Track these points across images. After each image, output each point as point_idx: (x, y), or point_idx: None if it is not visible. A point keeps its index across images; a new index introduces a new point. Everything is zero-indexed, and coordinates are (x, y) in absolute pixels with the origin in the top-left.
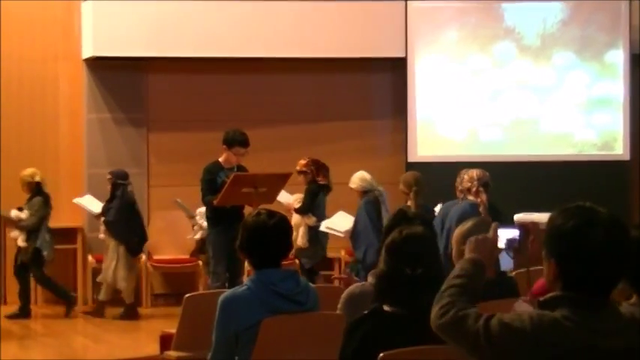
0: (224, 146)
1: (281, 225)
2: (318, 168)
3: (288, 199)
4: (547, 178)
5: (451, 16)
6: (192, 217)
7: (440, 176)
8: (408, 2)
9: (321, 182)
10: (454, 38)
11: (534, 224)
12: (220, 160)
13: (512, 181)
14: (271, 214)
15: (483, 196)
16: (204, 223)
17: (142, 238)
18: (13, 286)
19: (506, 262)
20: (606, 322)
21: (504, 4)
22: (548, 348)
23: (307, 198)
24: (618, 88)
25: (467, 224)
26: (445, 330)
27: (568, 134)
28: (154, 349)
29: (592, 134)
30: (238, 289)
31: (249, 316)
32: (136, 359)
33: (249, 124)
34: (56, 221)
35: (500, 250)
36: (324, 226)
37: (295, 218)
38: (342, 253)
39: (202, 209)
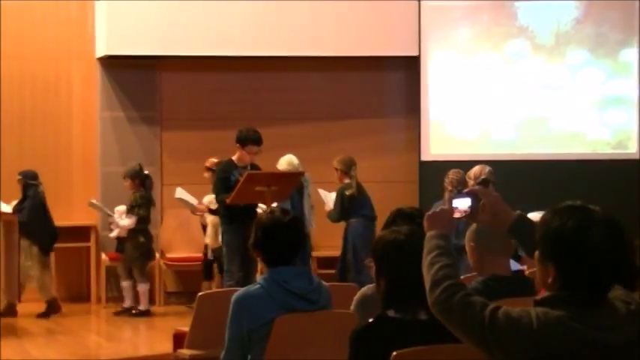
0: (237, 145)
1: (295, 223)
2: None
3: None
4: (560, 177)
5: (464, 14)
6: (109, 215)
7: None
8: (422, 1)
9: None
10: (467, 36)
11: (484, 189)
12: (234, 158)
13: (525, 180)
14: (285, 212)
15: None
16: (122, 222)
17: (54, 236)
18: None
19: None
20: (606, 318)
21: (517, 3)
22: (553, 345)
23: None
24: (632, 87)
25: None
26: (449, 313)
27: (581, 133)
28: (167, 347)
29: (605, 133)
30: (251, 287)
31: (262, 314)
32: (149, 357)
33: (263, 122)
34: (70, 219)
35: (458, 219)
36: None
37: (212, 219)
38: None
39: (121, 207)
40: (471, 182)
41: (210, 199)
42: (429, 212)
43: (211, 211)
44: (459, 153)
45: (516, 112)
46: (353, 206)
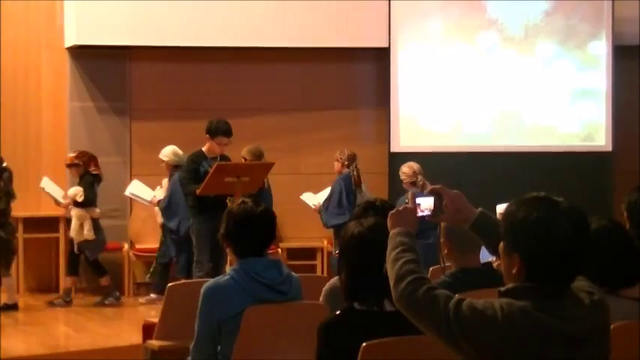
0: (207, 136)
1: (267, 214)
2: (89, 158)
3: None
4: (530, 169)
5: (434, 6)
6: None
7: (423, 166)
8: None
9: (94, 172)
10: (437, 29)
11: (446, 188)
12: (204, 149)
13: (496, 172)
14: (257, 202)
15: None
16: None
17: None
18: None
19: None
20: (571, 308)
21: None
22: (518, 335)
23: (89, 190)
24: (601, 80)
25: None
26: (414, 307)
27: (552, 125)
28: (136, 338)
29: (575, 125)
30: (221, 278)
31: (232, 305)
32: (119, 348)
33: (233, 113)
34: (38, 210)
35: (420, 217)
36: (129, 192)
37: (78, 212)
38: (325, 242)
39: None
40: (411, 178)
41: (75, 192)
42: (392, 211)
43: (76, 204)
44: (430, 145)
45: (487, 105)
46: (258, 198)
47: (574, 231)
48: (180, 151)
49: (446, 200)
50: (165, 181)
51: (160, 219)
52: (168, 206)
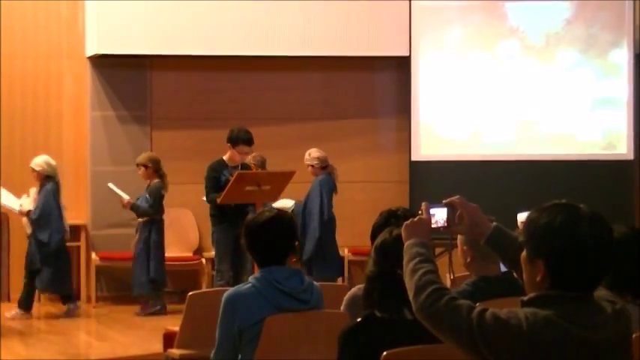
0: (228, 144)
1: (281, 222)
2: None
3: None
4: (551, 178)
5: (455, 14)
6: None
7: (443, 175)
8: (413, 1)
9: None
10: (458, 37)
11: (460, 200)
12: (225, 158)
13: (516, 181)
14: (272, 211)
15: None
16: None
17: None
18: (16, 283)
19: None
20: (593, 317)
21: (508, 3)
22: (543, 345)
23: None
24: (622, 88)
25: None
26: (435, 317)
27: (572, 134)
28: (157, 347)
29: (596, 134)
30: (242, 286)
31: (253, 313)
32: (140, 357)
33: (253, 122)
34: None
35: (434, 228)
36: (3, 199)
37: None
38: (346, 251)
39: None
40: (324, 162)
41: None
42: (407, 222)
43: None
44: (450, 153)
45: (507, 113)
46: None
47: (597, 235)
48: (52, 162)
49: (462, 212)
50: (33, 191)
51: (28, 229)
52: (39, 217)
